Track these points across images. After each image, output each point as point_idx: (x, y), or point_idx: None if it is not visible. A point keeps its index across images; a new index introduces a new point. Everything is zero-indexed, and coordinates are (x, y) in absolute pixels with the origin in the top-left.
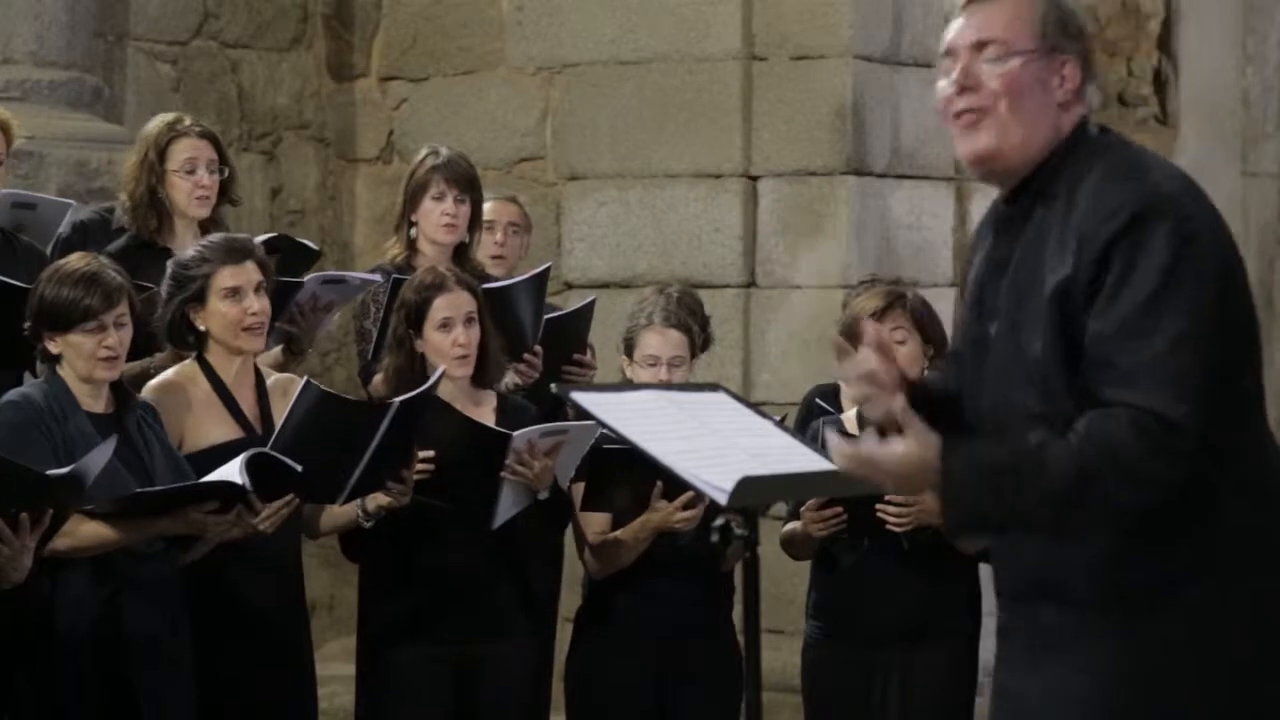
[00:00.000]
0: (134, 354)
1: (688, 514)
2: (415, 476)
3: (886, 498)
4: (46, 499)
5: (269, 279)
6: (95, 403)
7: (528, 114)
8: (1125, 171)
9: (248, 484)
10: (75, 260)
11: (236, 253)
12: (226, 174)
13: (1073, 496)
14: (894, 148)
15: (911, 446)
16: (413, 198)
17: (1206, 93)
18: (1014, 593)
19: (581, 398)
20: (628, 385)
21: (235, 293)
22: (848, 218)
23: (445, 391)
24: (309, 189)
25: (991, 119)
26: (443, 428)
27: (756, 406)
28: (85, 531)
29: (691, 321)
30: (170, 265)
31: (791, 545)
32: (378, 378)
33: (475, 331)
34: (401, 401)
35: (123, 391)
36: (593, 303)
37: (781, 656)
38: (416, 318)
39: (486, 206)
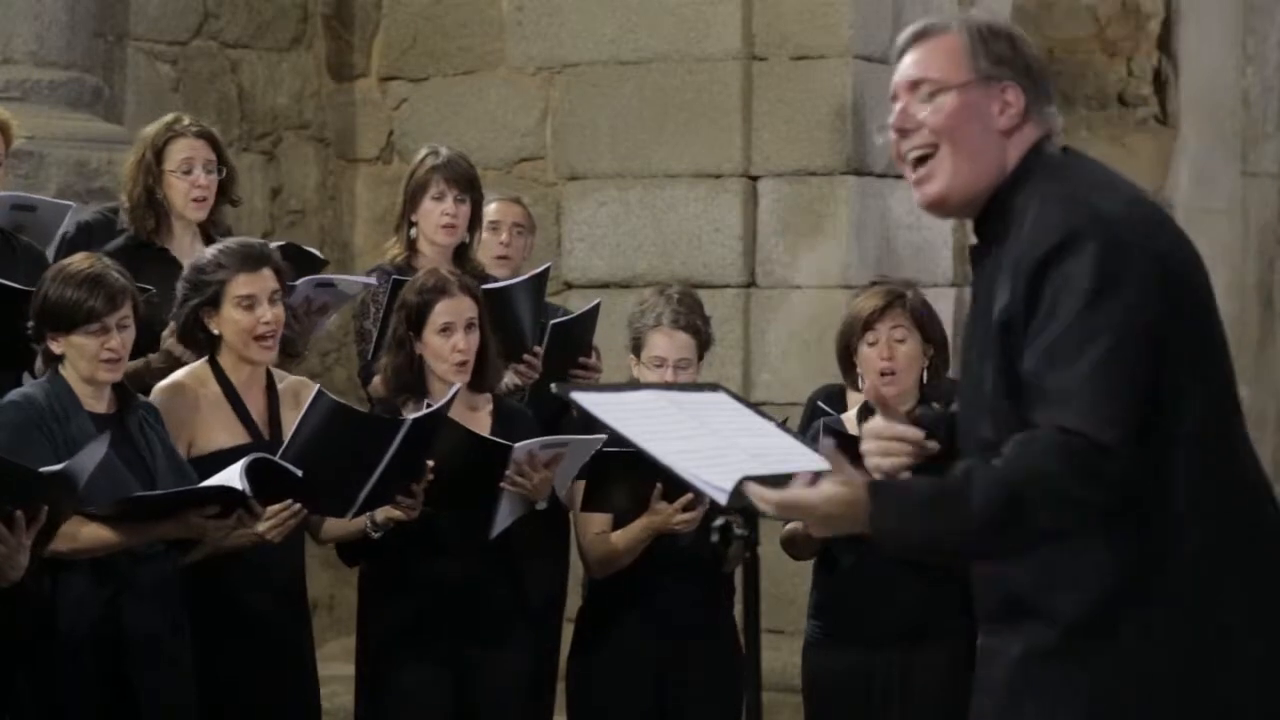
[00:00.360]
0: (136, 355)
1: (687, 516)
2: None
3: None
4: (39, 496)
5: (284, 286)
6: (97, 403)
7: (528, 114)
8: (1065, 194)
9: (248, 489)
10: (79, 261)
11: (253, 260)
12: (225, 174)
13: (998, 522)
14: None
15: (839, 488)
16: (413, 198)
17: (1206, 93)
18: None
19: (582, 398)
20: (628, 385)
21: (250, 301)
22: (848, 218)
23: (442, 395)
24: (309, 189)
25: (935, 162)
26: (443, 438)
27: (757, 407)
28: (86, 534)
29: (700, 323)
30: (187, 267)
31: (792, 545)
32: (377, 378)
33: (475, 337)
34: (414, 419)
35: (125, 392)
36: (598, 306)
37: (781, 656)
38: (417, 320)
39: (492, 207)
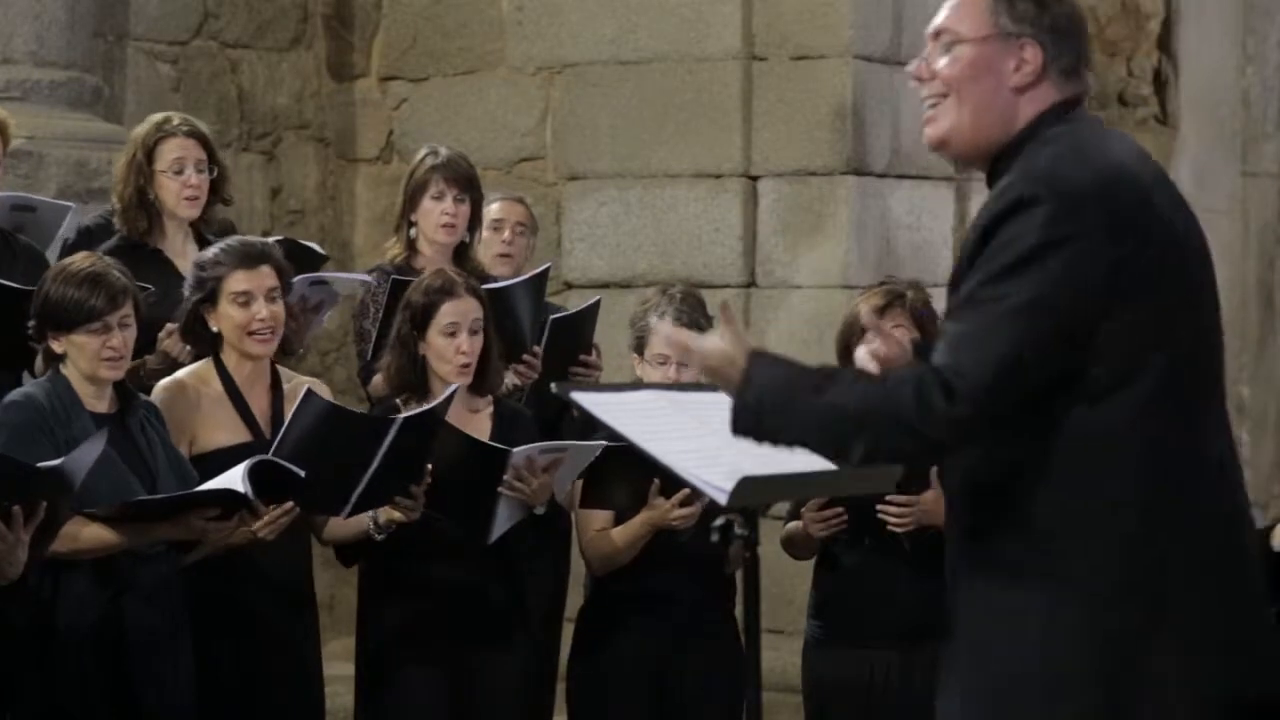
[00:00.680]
0: (136, 355)
1: (684, 511)
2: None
3: (888, 498)
4: (36, 491)
5: (285, 283)
6: (99, 403)
7: (528, 114)
8: (1041, 158)
9: (250, 492)
10: (80, 260)
11: (251, 257)
12: (216, 173)
13: (845, 428)
14: (894, 148)
15: (727, 344)
16: (412, 198)
17: (1206, 93)
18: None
19: (582, 397)
20: (628, 385)
21: (245, 297)
22: (848, 218)
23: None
24: (309, 189)
25: (943, 107)
26: (441, 442)
27: None
28: (87, 535)
29: (703, 322)
30: (192, 264)
31: (792, 545)
32: (377, 377)
33: (479, 340)
34: (404, 419)
35: (126, 391)
36: (598, 303)
37: (781, 656)
38: (422, 320)
39: (494, 206)
